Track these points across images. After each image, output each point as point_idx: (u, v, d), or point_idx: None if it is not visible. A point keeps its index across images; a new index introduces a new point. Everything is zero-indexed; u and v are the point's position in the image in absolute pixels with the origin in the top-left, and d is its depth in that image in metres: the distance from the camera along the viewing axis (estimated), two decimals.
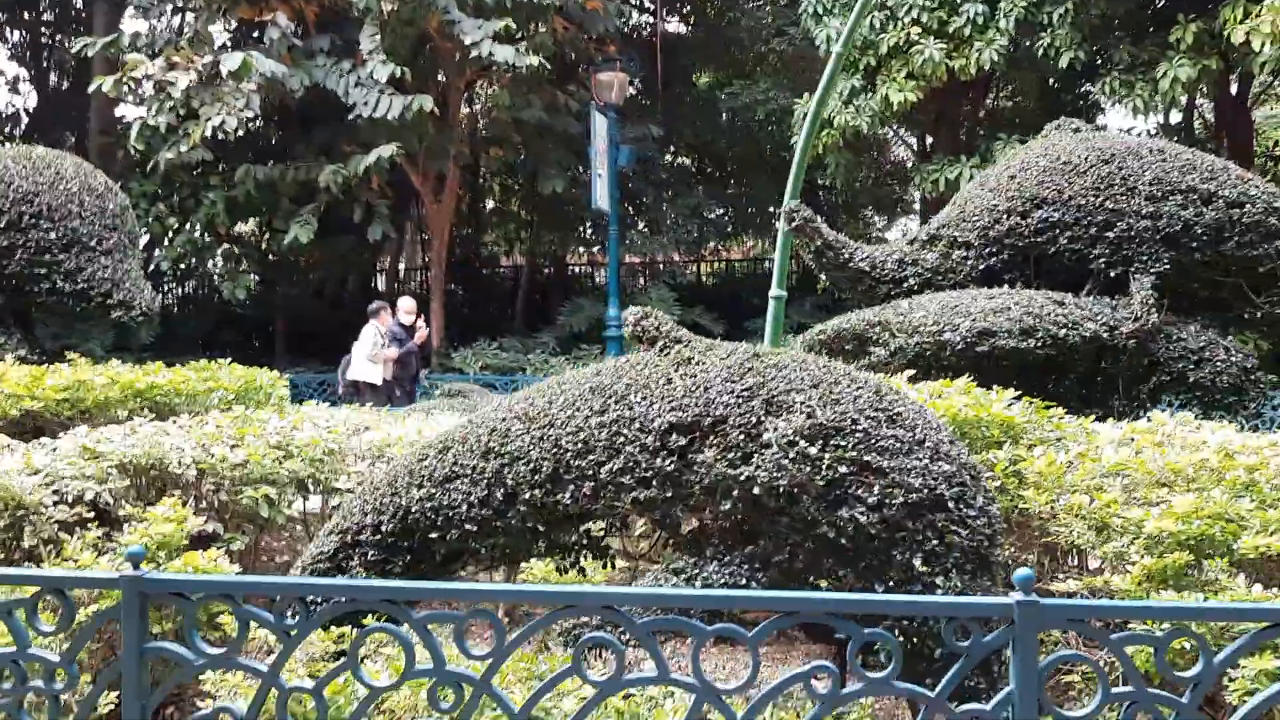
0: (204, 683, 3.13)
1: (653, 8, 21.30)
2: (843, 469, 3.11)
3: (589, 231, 22.12)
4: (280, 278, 19.90)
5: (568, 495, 3.41)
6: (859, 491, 3.09)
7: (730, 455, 3.21)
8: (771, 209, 23.94)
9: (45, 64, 25.45)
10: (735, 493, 3.18)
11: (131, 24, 19.34)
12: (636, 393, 3.44)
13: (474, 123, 18.97)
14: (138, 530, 4.05)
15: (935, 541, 3.06)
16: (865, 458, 3.12)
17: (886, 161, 22.83)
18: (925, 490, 3.08)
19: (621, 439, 3.36)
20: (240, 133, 14.52)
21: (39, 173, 7.16)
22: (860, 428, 3.17)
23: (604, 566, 3.73)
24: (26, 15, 24.33)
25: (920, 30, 13.96)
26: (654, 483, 3.30)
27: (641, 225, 21.26)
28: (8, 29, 25.05)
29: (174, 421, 4.99)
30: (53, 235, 7.13)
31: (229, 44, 16.29)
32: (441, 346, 18.50)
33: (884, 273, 6.39)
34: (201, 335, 19.68)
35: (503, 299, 23.21)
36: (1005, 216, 6.37)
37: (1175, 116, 17.15)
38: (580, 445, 3.41)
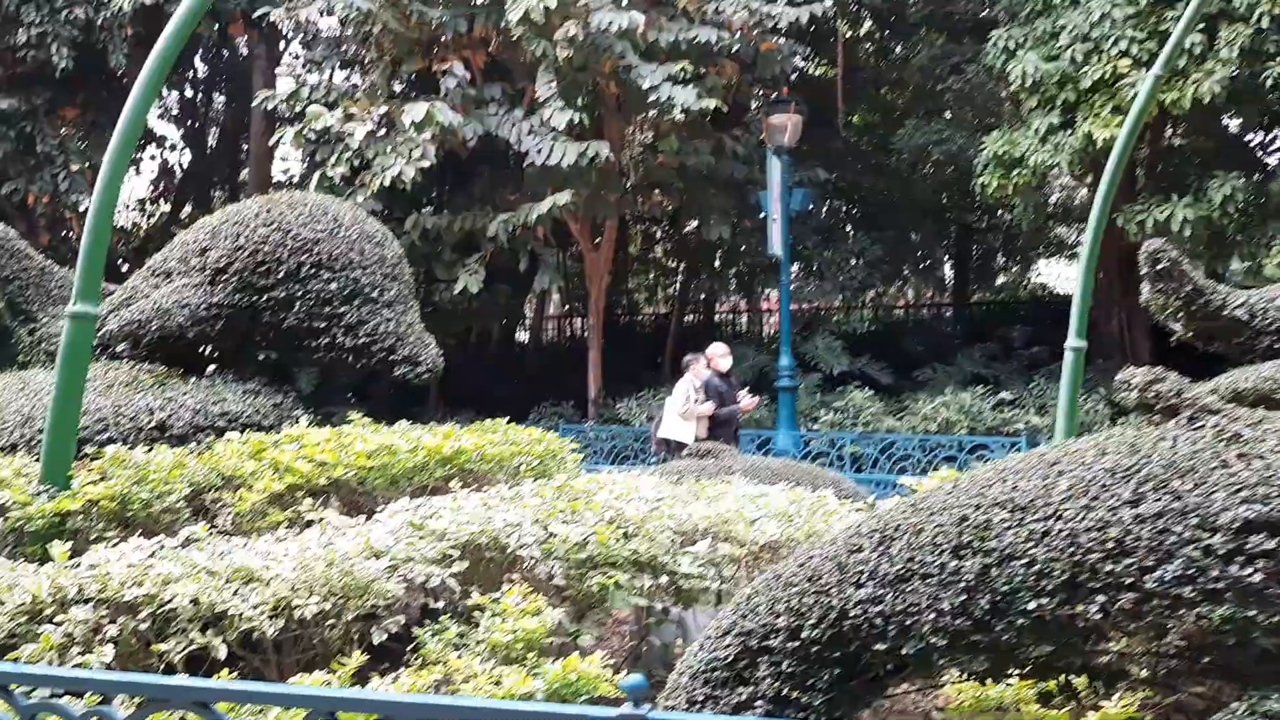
0: None
1: (809, 51, 20.76)
2: None
3: (741, 278, 21.54)
4: (432, 327, 19.68)
5: (1095, 608, 2.70)
6: None
7: None
8: (936, 253, 23.08)
9: (199, 123, 26.20)
10: None
11: (283, 83, 19.64)
12: (1181, 478, 2.73)
13: (633, 168, 18.63)
14: (496, 626, 3.49)
15: None
16: None
17: (1048, 203, 21.74)
18: None
19: (1173, 539, 2.65)
20: (414, 183, 14.38)
21: (316, 220, 6.61)
22: None
23: (1100, 693, 2.99)
24: (177, 75, 25.09)
25: (1130, 62, 13.04)
26: (1228, 595, 2.57)
27: (799, 269, 20.59)
28: (164, 89, 25.90)
29: (487, 491, 4.45)
30: (333, 286, 6.51)
31: (395, 94, 16.25)
32: (599, 397, 18.03)
33: (1267, 321, 5.53)
34: (354, 386, 19.52)
35: (650, 348, 22.71)
36: None
37: None
38: (1110, 545, 2.71)
